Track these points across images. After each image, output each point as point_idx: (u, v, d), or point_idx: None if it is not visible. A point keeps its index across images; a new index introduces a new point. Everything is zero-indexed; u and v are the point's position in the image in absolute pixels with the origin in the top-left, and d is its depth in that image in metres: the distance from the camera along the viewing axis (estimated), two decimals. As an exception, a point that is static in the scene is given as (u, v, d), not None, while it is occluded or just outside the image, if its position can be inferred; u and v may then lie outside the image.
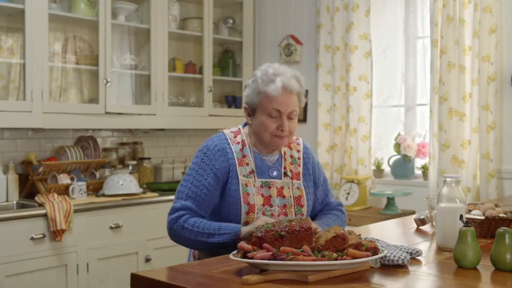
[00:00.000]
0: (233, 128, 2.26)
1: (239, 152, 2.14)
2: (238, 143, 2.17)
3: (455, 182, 1.86)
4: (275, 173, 2.15)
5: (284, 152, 2.21)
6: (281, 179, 2.15)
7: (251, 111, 2.16)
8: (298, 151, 2.24)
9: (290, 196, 2.14)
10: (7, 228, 2.99)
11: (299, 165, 2.21)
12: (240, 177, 2.09)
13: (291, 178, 2.16)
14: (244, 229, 1.99)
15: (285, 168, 2.17)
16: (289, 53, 4.45)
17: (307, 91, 4.37)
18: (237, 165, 2.11)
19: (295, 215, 2.12)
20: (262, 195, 2.10)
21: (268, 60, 4.63)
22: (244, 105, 2.20)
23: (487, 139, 3.45)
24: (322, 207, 2.30)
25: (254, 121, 2.16)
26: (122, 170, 3.89)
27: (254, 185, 2.09)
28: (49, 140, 3.80)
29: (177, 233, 2.09)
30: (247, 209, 2.06)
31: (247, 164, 2.12)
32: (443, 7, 3.56)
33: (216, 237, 2.01)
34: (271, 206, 2.10)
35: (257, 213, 2.06)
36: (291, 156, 2.22)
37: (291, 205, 2.13)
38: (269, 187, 2.12)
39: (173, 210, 2.10)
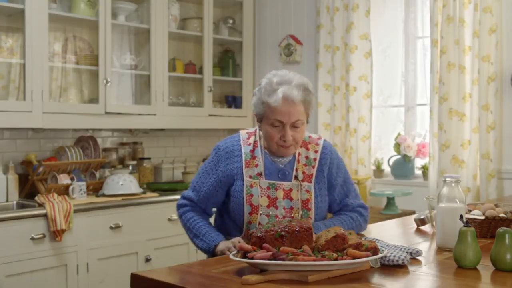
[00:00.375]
0: (251, 129, 2.29)
1: (248, 153, 2.17)
2: (249, 144, 2.20)
3: (455, 182, 1.86)
4: (283, 175, 2.16)
5: (299, 153, 2.19)
6: (290, 181, 2.15)
7: (259, 119, 2.18)
8: (316, 151, 2.20)
9: (298, 199, 2.14)
10: (7, 228, 2.98)
11: (313, 167, 2.17)
12: (245, 178, 2.13)
13: (302, 181, 2.15)
14: (220, 245, 2.08)
15: (296, 170, 2.16)
16: (289, 53, 4.45)
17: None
18: (243, 167, 2.15)
19: (302, 218, 2.11)
20: (268, 197, 2.12)
21: (268, 60, 4.64)
22: (253, 112, 2.23)
23: (487, 139, 3.45)
24: (340, 208, 2.26)
25: (262, 129, 2.17)
26: (122, 170, 3.89)
27: (260, 187, 2.12)
28: (49, 140, 3.80)
29: (179, 218, 2.30)
30: (250, 210, 2.11)
31: (256, 165, 2.15)
32: (443, 7, 3.56)
33: (198, 240, 2.16)
34: (276, 208, 2.12)
35: (261, 214, 2.09)
36: (307, 158, 2.19)
37: (298, 208, 2.13)
38: (276, 189, 2.13)
39: (182, 196, 2.31)
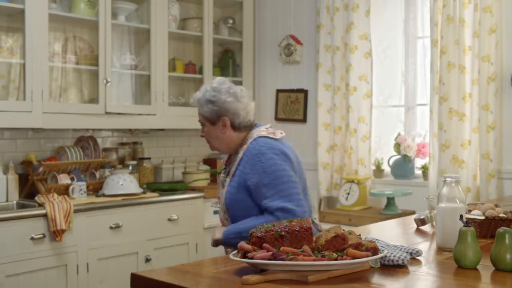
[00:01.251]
0: None
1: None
2: None
3: (455, 182, 1.86)
4: (225, 171, 2.41)
5: (239, 152, 2.35)
6: (226, 177, 2.37)
7: None
8: (243, 151, 2.33)
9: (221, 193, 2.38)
10: (7, 228, 2.99)
11: (235, 165, 2.32)
12: (221, 175, 2.47)
13: (227, 177, 2.36)
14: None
15: (233, 167, 2.35)
16: (289, 53, 4.45)
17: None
18: (222, 165, 2.50)
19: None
20: (219, 190, 2.45)
21: (268, 60, 4.64)
22: None
23: (487, 139, 3.45)
24: (263, 210, 2.23)
25: None
26: (122, 170, 3.89)
27: (221, 181, 2.44)
28: (49, 140, 3.80)
29: None
30: (217, 200, 2.47)
31: (229, 163, 2.45)
32: (443, 7, 3.56)
33: None
34: (219, 199, 2.43)
35: (217, 203, 2.44)
36: (238, 156, 2.34)
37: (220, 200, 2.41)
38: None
39: None
